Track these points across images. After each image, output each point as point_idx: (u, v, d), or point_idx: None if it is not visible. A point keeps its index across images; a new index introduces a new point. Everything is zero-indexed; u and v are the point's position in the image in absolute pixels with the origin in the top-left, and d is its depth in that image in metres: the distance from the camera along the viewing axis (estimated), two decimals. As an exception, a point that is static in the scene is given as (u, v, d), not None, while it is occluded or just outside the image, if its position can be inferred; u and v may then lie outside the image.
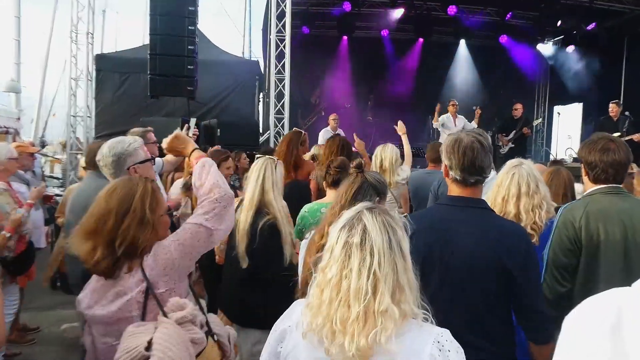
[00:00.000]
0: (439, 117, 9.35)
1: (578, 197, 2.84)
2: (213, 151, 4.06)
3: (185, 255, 1.85)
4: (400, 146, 4.99)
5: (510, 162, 2.70)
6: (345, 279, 1.30)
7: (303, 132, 4.72)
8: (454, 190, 2.03)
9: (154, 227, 1.81)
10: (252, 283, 2.86)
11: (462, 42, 13.55)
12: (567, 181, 3.24)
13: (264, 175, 2.91)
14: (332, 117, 9.06)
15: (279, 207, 2.90)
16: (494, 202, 2.62)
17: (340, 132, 9.14)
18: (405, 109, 12.86)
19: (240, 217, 2.89)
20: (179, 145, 2.21)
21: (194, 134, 3.81)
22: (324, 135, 8.87)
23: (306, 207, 3.19)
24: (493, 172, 3.43)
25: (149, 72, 7.88)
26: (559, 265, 2.37)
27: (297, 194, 3.90)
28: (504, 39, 13.02)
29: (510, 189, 2.59)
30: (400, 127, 5.30)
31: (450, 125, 9.31)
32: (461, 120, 9.45)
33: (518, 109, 9.89)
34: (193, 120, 3.91)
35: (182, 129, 6.92)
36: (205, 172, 1.99)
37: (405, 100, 13.10)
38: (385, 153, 4.43)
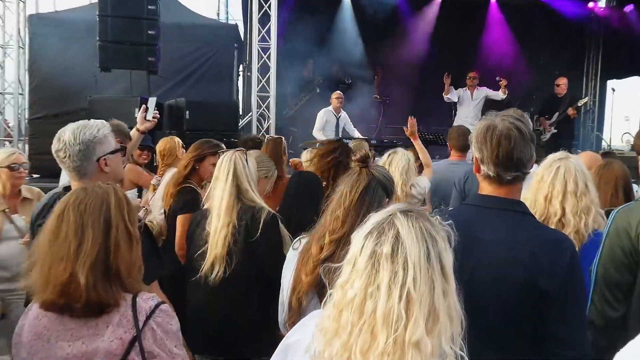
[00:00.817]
0: (451, 90, 9.59)
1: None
2: (200, 143, 4.03)
3: None
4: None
5: (554, 155, 2.73)
6: (371, 299, 1.29)
7: (283, 139, 4.88)
8: (486, 188, 2.03)
9: (138, 243, 1.83)
10: (236, 292, 2.94)
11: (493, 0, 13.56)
12: (619, 177, 3.24)
13: (234, 173, 2.98)
14: (335, 95, 9.12)
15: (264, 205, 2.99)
16: (534, 202, 2.63)
17: (344, 115, 9.19)
18: (420, 84, 12.90)
19: (209, 225, 2.97)
20: None
21: (153, 117, 3.80)
22: (323, 117, 8.90)
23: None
24: (535, 166, 3.44)
25: (98, 38, 7.85)
26: (610, 284, 2.38)
27: (305, 191, 3.92)
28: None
29: (554, 185, 2.61)
30: (410, 128, 5.22)
31: (467, 101, 9.56)
32: (481, 92, 9.63)
33: (561, 85, 9.92)
34: (153, 100, 3.90)
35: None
36: None
37: (421, 74, 13.09)
38: (394, 161, 4.33)
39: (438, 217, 1.41)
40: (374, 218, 1.38)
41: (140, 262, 1.82)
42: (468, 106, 9.89)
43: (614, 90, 11.71)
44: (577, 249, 2.45)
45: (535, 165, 3.37)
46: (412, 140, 5.17)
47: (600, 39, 14.46)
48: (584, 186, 2.60)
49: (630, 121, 12.71)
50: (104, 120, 2.68)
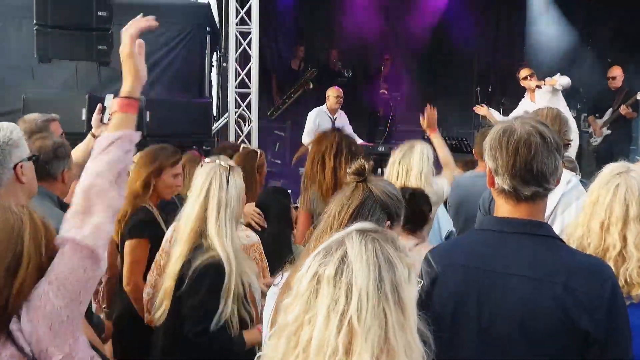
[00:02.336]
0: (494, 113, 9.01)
1: None
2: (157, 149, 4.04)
3: (73, 300, 1.88)
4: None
5: (611, 168, 2.68)
6: (308, 325, 1.35)
7: (258, 151, 4.86)
8: (503, 207, 2.07)
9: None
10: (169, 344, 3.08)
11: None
12: None
13: (207, 192, 3.00)
14: (333, 92, 9.03)
15: (228, 242, 2.97)
16: (588, 230, 2.60)
17: (342, 116, 9.17)
18: (439, 77, 12.96)
19: (172, 251, 3.05)
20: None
21: (110, 120, 3.80)
22: (315, 119, 8.86)
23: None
24: (574, 179, 3.44)
25: (35, 21, 7.85)
26: None
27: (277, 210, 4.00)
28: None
29: (613, 208, 2.56)
30: (428, 119, 5.17)
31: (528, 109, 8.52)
32: (544, 93, 8.80)
33: (616, 77, 9.97)
34: (109, 98, 3.90)
35: (89, 110, 6.95)
36: (106, 148, 2.09)
37: (439, 64, 13.18)
38: (411, 160, 4.23)
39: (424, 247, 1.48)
40: (331, 237, 1.45)
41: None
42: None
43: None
44: None
45: (574, 177, 3.41)
46: (429, 134, 5.15)
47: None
48: None
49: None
50: (15, 125, 2.70)
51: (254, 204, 4.12)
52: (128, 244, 3.70)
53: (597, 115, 10.12)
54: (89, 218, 1.96)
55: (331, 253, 1.38)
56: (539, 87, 8.64)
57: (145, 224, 3.71)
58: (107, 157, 2.07)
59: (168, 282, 3.01)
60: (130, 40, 2.25)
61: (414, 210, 3.43)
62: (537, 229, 2.03)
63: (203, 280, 2.90)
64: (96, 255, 1.93)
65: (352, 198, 2.27)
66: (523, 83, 8.86)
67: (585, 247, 2.57)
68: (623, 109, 9.62)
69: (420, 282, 1.57)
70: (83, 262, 1.90)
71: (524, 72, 8.88)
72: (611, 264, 2.48)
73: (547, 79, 8.64)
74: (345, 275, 1.34)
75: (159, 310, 3.03)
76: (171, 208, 3.78)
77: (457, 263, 2.00)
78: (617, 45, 13.12)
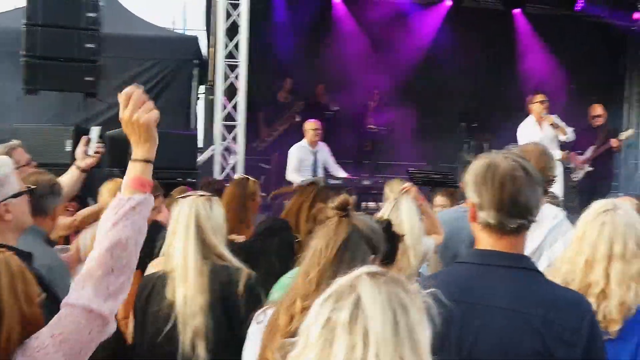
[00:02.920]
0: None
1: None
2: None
3: (72, 358, 1.83)
4: None
5: (599, 205, 2.71)
6: None
7: (250, 179, 4.84)
8: (485, 240, 2.09)
9: (31, 322, 1.81)
10: None
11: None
12: None
13: (197, 224, 2.97)
14: (310, 125, 8.99)
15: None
16: (573, 266, 2.62)
17: (323, 147, 9.17)
18: (427, 109, 13.06)
19: (172, 293, 2.95)
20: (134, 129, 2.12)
21: (96, 152, 3.81)
22: (296, 155, 8.86)
23: (290, 273, 3.23)
24: (560, 215, 3.46)
25: (23, 51, 7.86)
26: None
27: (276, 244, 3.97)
28: (580, 4, 13.35)
29: (597, 246, 2.59)
30: (412, 191, 4.62)
31: (535, 136, 8.58)
32: (549, 126, 8.92)
33: (600, 116, 10.10)
34: (96, 130, 3.90)
35: (75, 141, 6.92)
36: (124, 215, 1.98)
37: (426, 100, 13.28)
38: (402, 212, 4.09)
39: (418, 284, 1.46)
40: (339, 280, 1.41)
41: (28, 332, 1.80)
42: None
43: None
44: (619, 325, 2.49)
45: (560, 212, 3.43)
46: (419, 205, 4.88)
47: (643, 57, 14.82)
48: (636, 247, 2.57)
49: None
50: (3, 156, 2.68)
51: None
52: None
53: (579, 151, 10.23)
54: (105, 283, 1.90)
55: (343, 298, 1.34)
56: (548, 116, 8.81)
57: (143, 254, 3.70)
58: (130, 222, 1.97)
59: (196, 321, 2.90)
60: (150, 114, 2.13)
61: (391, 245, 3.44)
62: (518, 262, 2.06)
63: (260, 291, 2.92)
64: (106, 320, 1.89)
65: (338, 233, 2.26)
66: (535, 107, 8.94)
67: (569, 283, 2.59)
68: (614, 142, 9.73)
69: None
70: (90, 324, 1.86)
71: (540, 97, 9.01)
72: (592, 300, 2.51)
73: (560, 123, 8.81)
74: (360, 321, 1.31)
75: (196, 354, 2.90)
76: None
77: (439, 295, 2.00)
78: (600, 85, 13.36)
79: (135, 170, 2.09)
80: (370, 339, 1.29)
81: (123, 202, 2.01)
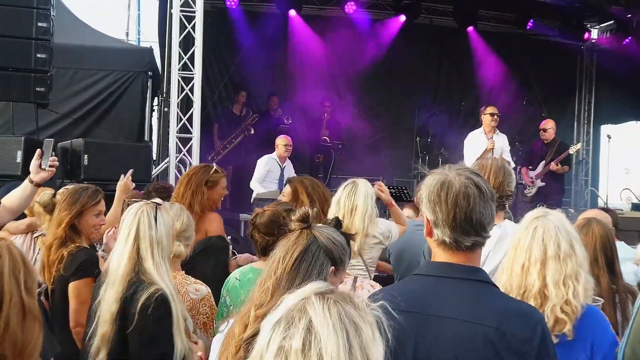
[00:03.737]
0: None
1: (624, 264, 2.96)
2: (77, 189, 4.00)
3: None
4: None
5: (531, 214, 2.83)
6: None
7: (214, 166, 4.87)
8: (440, 256, 2.13)
9: (36, 317, 1.81)
10: None
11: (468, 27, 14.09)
12: (597, 242, 3.41)
13: (136, 232, 2.98)
14: (283, 141, 9.30)
15: (167, 278, 2.97)
16: (511, 273, 2.72)
17: (289, 165, 9.34)
18: (379, 124, 13.18)
19: (103, 293, 2.97)
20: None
21: (51, 166, 3.75)
22: (266, 166, 9.03)
23: (238, 273, 3.23)
24: (514, 230, 3.53)
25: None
26: None
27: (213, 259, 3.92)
28: (530, 24, 13.67)
29: (532, 250, 2.69)
30: (384, 194, 4.85)
31: (479, 148, 8.83)
32: (501, 139, 9.12)
33: (548, 130, 10.34)
34: (49, 143, 3.84)
35: (25, 152, 6.80)
36: None
37: (379, 110, 13.43)
38: (355, 199, 4.15)
39: (366, 299, 1.44)
40: (285, 302, 1.40)
41: (37, 341, 1.80)
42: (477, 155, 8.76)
43: (609, 137, 12.30)
44: (569, 325, 2.56)
45: (515, 225, 3.50)
46: (389, 208, 4.99)
47: (593, 76, 15.25)
48: (569, 247, 2.67)
49: (630, 173, 13.29)
50: None
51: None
52: (74, 285, 3.66)
53: (530, 167, 10.46)
54: None
55: (294, 324, 1.32)
56: (494, 128, 8.96)
57: (89, 263, 3.70)
58: None
59: (104, 328, 2.90)
60: None
61: None
62: (474, 274, 2.08)
63: (154, 315, 2.82)
64: None
65: (297, 244, 2.30)
66: (485, 118, 9.08)
67: (509, 291, 2.66)
68: (553, 166, 10.00)
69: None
70: None
71: (491, 109, 9.16)
72: (533, 302, 2.58)
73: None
74: (314, 347, 1.29)
75: (99, 358, 2.91)
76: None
77: (394, 306, 2.01)
78: (551, 101, 13.68)
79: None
80: None
81: None
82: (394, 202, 4.89)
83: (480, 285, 2.07)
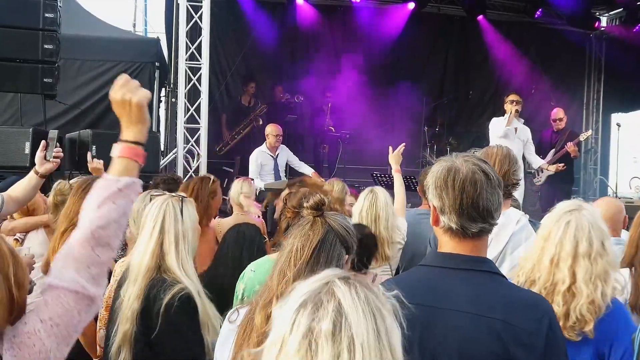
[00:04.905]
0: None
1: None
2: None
3: (63, 341, 1.81)
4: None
5: (564, 205, 2.78)
6: None
7: (211, 177, 4.97)
8: (447, 244, 2.11)
9: (20, 309, 1.79)
10: None
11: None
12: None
13: (162, 226, 2.92)
14: (272, 131, 9.14)
15: (190, 274, 2.92)
16: (539, 265, 2.70)
17: (283, 149, 9.28)
18: (387, 113, 13.16)
19: (124, 292, 2.90)
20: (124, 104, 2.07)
21: (55, 157, 3.78)
22: (257, 160, 8.99)
23: (253, 265, 3.25)
24: (523, 219, 3.53)
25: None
26: None
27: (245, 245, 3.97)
28: (539, 12, 13.61)
29: (563, 244, 2.66)
30: (396, 156, 5.30)
31: (511, 135, 8.79)
32: (525, 131, 9.08)
33: (561, 119, 10.30)
34: (54, 135, 3.87)
35: (33, 143, 6.85)
36: (110, 196, 1.94)
37: (386, 100, 13.42)
38: (377, 208, 4.34)
39: (381, 286, 1.44)
40: (305, 286, 1.38)
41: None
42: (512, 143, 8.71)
43: (619, 125, 12.22)
44: (592, 325, 2.55)
45: (523, 216, 3.51)
46: (394, 171, 5.28)
47: (602, 64, 15.18)
48: (600, 246, 2.64)
49: (639, 163, 13.19)
50: None
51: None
52: None
53: (540, 155, 10.43)
54: (86, 263, 1.88)
55: (323, 306, 1.31)
56: (517, 111, 8.87)
57: None
58: (115, 206, 1.94)
59: (126, 326, 2.83)
60: (142, 92, 2.09)
61: (369, 251, 3.55)
62: (480, 265, 2.07)
63: (181, 315, 2.76)
64: (92, 299, 1.87)
65: (313, 233, 2.28)
66: (506, 105, 9.00)
67: (535, 280, 2.65)
68: (570, 146, 9.91)
69: None
70: (78, 305, 1.84)
71: (512, 97, 9.06)
72: (559, 298, 2.57)
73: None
74: (344, 329, 1.28)
75: (121, 358, 2.83)
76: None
77: (402, 297, 2.00)
78: (560, 89, 13.61)
79: (122, 148, 2.06)
80: (356, 347, 1.28)
81: (110, 183, 1.98)
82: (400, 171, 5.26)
83: (486, 276, 2.06)
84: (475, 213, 2.03)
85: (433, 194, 2.09)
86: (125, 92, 2.06)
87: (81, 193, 3.89)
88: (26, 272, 1.86)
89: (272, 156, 9.10)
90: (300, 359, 1.28)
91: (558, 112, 10.40)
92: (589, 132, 11.25)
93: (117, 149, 2.05)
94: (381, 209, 4.33)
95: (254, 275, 3.15)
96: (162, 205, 2.96)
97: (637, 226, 3.35)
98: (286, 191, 3.75)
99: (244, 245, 3.95)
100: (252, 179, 7.05)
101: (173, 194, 3.11)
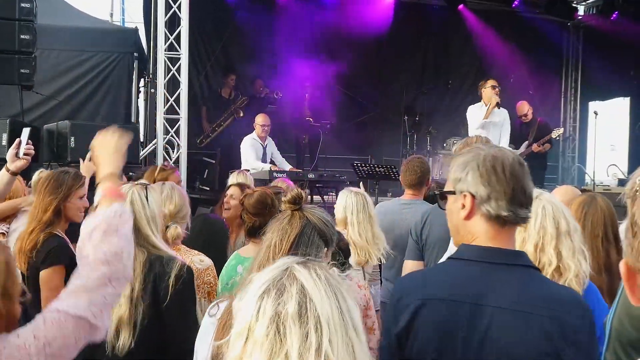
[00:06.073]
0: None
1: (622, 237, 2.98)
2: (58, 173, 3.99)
3: None
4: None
5: None
6: None
7: (165, 167, 5.06)
8: (484, 235, 2.04)
9: (8, 320, 1.79)
10: None
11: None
12: (606, 215, 3.43)
13: (132, 212, 2.95)
14: (260, 121, 9.34)
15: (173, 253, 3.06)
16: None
17: (271, 143, 9.36)
18: (367, 103, 13.17)
19: None
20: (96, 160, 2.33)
21: (26, 154, 3.74)
22: (252, 146, 9.03)
23: (233, 257, 3.30)
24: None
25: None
26: (625, 342, 2.46)
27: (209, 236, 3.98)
28: (516, 2, 13.67)
29: (546, 229, 2.65)
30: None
31: (479, 121, 8.80)
32: (502, 112, 9.08)
33: (526, 115, 10.52)
34: (26, 132, 3.82)
35: (10, 135, 6.77)
36: (104, 232, 2.04)
37: (366, 89, 13.45)
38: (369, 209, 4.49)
39: (335, 268, 1.51)
40: (264, 275, 1.40)
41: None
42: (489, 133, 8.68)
43: (596, 113, 12.35)
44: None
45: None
46: None
47: (579, 53, 15.31)
48: (573, 223, 2.69)
49: (616, 150, 13.32)
50: None
51: None
52: (45, 273, 3.60)
53: (512, 146, 10.52)
54: (102, 294, 1.94)
55: (287, 290, 1.34)
56: (498, 104, 8.88)
57: (59, 250, 3.64)
58: (123, 233, 2.07)
59: (122, 309, 2.90)
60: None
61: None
62: (517, 258, 2.03)
63: (186, 285, 2.93)
64: (96, 328, 1.90)
65: (291, 227, 2.30)
66: (486, 91, 9.00)
67: None
68: (535, 148, 10.12)
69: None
70: (77, 332, 1.85)
71: (492, 82, 9.11)
72: (549, 278, 2.58)
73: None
74: (310, 309, 1.32)
75: (121, 340, 2.90)
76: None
77: (440, 293, 1.97)
78: (537, 78, 13.70)
79: (107, 184, 2.23)
80: (323, 326, 1.31)
81: (111, 212, 2.09)
82: None
83: (526, 271, 2.01)
84: (524, 198, 2.01)
85: (477, 181, 2.01)
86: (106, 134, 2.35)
87: (44, 191, 3.82)
88: (17, 284, 1.86)
89: (262, 145, 9.32)
90: (269, 343, 1.31)
91: (522, 107, 10.57)
92: (560, 130, 11.33)
93: (99, 193, 2.22)
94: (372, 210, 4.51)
95: (225, 271, 3.30)
96: (127, 194, 3.01)
97: (577, 210, 3.37)
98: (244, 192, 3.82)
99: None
100: (248, 170, 7.03)
101: (136, 182, 3.24)
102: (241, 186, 4.95)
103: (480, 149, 2.08)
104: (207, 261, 3.62)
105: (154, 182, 4.83)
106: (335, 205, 4.69)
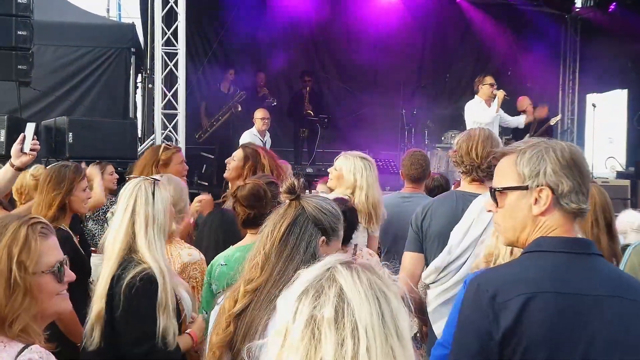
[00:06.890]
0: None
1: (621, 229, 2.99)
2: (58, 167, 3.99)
3: None
4: None
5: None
6: None
7: (169, 145, 5.04)
8: (561, 228, 1.99)
9: (27, 291, 1.85)
10: None
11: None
12: (597, 202, 3.43)
13: (133, 208, 2.98)
14: (260, 115, 9.31)
15: (159, 256, 2.97)
16: (496, 244, 2.69)
17: (268, 139, 9.35)
18: (365, 97, 13.16)
19: (101, 272, 2.98)
20: None
21: (32, 149, 3.73)
22: (252, 140, 9.01)
23: (222, 258, 3.29)
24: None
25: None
26: None
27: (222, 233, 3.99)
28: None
29: None
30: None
31: (483, 114, 8.88)
32: (494, 107, 9.10)
33: (526, 109, 10.48)
34: (31, 127, 3.81)
35: (8, 131, 6.76)
36: None
37: (364, 83, 13.44)
38: (365, 176, 4.41)
39: (386, 268, 1.41)
40: (308, 274, 1.35)
41: (22, 314, 1.84)
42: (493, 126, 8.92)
43: (594, 106, 12.36)
44: None
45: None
46: None
47: (577, 45, 15.27)
48: None
49: (614, 143, 13.32)
50: None
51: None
52: None
53: (512, 139, 10.53)
54: None
55: (324, 292, 1.29)
56: (506, 96, 8.99)
57: (63, 243, 3.65)
58: None
59: (98, 305, 2.91)
60: None
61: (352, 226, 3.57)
62: (591, 247, 2.01)
63: (138, 294, 2.82)
64: None
65: (285, 216, 2.30)
66: (484, 88, 8.99)
67: (497, 258, 2.60)
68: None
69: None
70: None
71: (490, 79, 9.10)
72: (502, 262, 2.55)
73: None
74: (347, 315, 1.26)
75: (93, 336, 2.91)
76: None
77: (546, 286, 1.89)
78: (536, 70, 13.69)
79: None
80: (360, 332, 1.25)
81: None
82: None
83: (600, 259, 2.00)
84: (587, 191, 1.99)
85: (557, 175, 1.94)
86: None
87: (47, 187, 3.86)
88: (35, 259, 1.92)
89: (261, 140, 9.20)
90: (304, 347, 1.26)
91: (522, 103, 10.60)
92: (558, 117, 11.34)
93: None
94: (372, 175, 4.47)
95: (226, 269, 3.18)
96: (134, 188, 3.01)
97: None
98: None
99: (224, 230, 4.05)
100: None
101: (147, 177, 3.17)
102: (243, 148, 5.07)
103: (546, 143, 2.00)
104: (196, 255, 3.59)
105: (158, 161, 4.91)
106: (334, 169, 4.64)
